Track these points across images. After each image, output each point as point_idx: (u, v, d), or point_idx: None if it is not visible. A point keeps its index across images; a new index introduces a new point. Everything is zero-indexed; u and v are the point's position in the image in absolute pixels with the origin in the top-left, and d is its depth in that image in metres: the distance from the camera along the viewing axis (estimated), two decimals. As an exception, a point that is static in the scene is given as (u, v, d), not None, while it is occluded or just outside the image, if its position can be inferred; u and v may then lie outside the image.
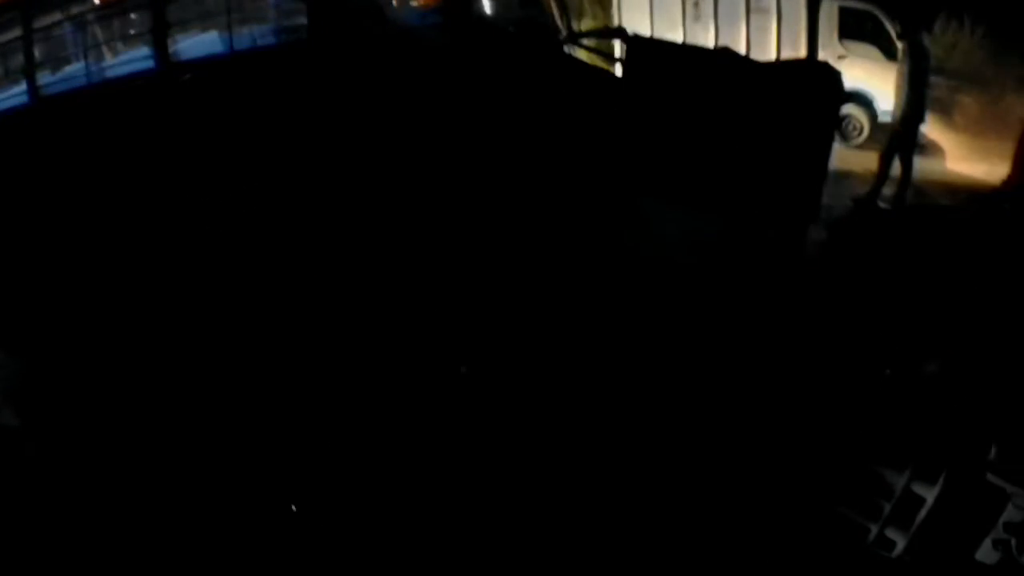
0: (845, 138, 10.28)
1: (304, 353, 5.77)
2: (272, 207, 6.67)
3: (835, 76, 5.54)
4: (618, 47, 8.25)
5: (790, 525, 4.57)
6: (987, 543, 3.98)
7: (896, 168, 8.45)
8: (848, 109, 10.09)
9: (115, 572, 4.57)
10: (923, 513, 4.31)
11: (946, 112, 10.03)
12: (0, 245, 6.09)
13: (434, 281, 6.22)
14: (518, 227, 6.33)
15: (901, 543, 4.33)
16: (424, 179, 6.75)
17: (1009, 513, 3.99)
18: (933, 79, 8.87)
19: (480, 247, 6.31)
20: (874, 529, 4.43)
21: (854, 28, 10.35)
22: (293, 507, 4.95)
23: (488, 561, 4.62)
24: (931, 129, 9.78)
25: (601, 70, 7.00)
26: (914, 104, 8.28)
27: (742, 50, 11.01)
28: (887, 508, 4.43)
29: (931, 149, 9.95)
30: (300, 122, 7.11)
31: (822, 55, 10.54)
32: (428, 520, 4.78)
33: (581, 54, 7.85)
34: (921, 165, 8.91)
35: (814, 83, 5.48)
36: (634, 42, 6.35)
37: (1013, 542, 3.88)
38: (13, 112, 6.93)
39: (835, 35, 10.42)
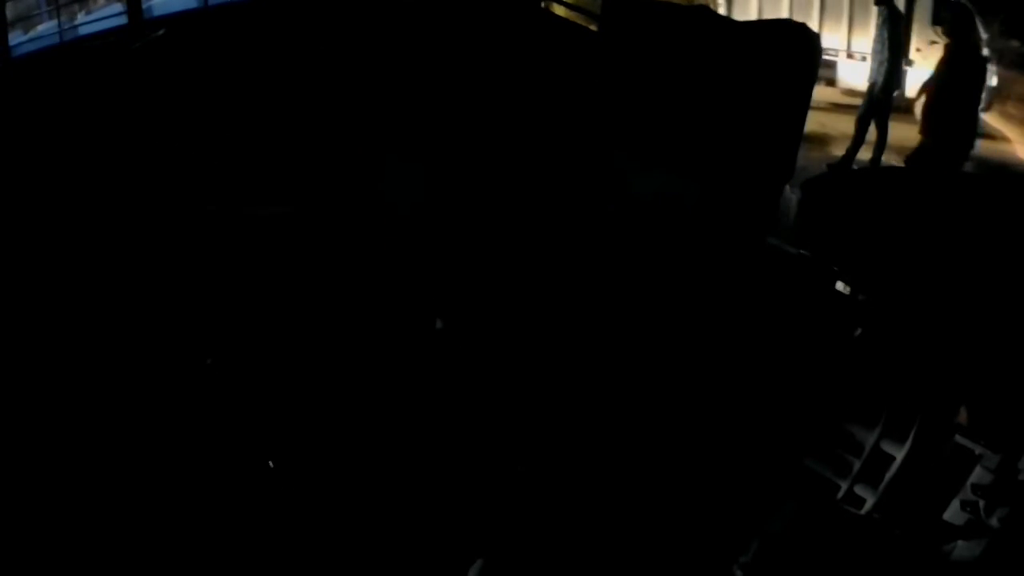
0: None
1: (279, 307, 5.76)
2: (249, 164, 6.62)
3: (812, 37, 5.46)
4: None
5: (761, 479, 4.62)
6: (955, 504, 4.01)
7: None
8: None
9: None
10: (892, 471, 4.37)
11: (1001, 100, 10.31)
12: None
13: (411, 236, 6.21)
14: (494, 181, 6.30)
15: (870, 500, 4.36)
16: (400, 131, 6.71)
17: (977, 475, 4.01)
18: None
19: (457, 202, 6.28)
20: (844, 486, 4.47)
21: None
22: (270, 463, 4.98)
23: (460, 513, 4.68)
24: (990, 117, 10.10)
25: (577, 25, 6.90)
26: (891, 69, 8.36)
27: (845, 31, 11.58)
28: (856, 465, 4.49)
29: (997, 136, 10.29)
30: (278, 74, 7.03)
31: (915, 40, 10.91)
32: (408, 478, 4.82)
33: (559, 10, 7.78)
34: (988, 146, 9.33)
35: (791, 43, 5.40)
36: None
37: (981, 504, 3.92)
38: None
39: (929, 21, 10.70)
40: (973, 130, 7.96)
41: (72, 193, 6.20)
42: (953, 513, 4.03)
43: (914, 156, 7.90)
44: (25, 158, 6.21)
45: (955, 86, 7.59)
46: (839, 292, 4.92)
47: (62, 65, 7.01)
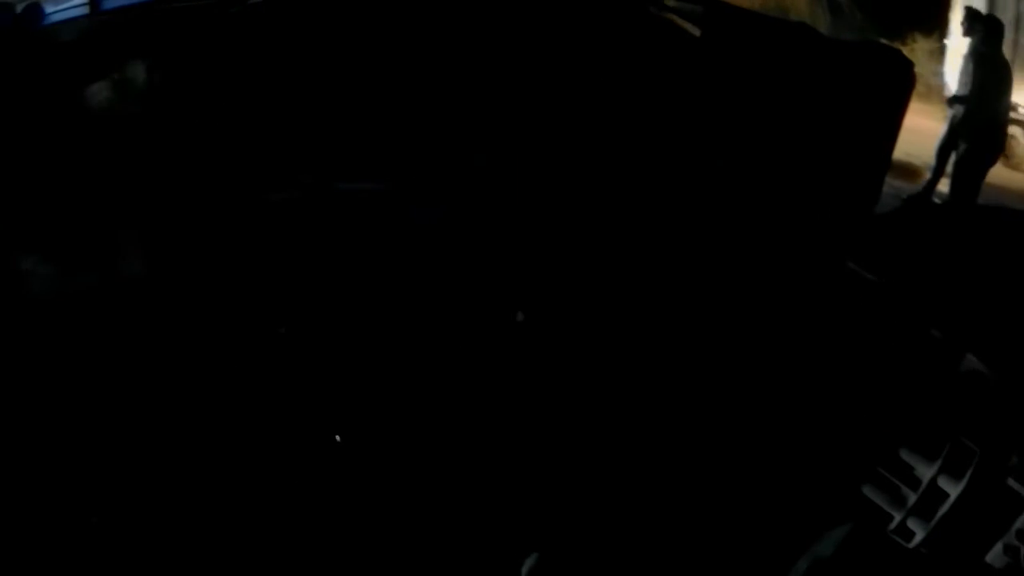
0: None
1: (363, 285, 5.91)
2: (347, 138, 6.71)
3: (906, 64, 5.46)
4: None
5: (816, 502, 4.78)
6: (998, 547, 4.17)
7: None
8: None
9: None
10: (945, 508, 4.50)
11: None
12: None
13: (492, 224, 6.29)
14: (581, 174, 6.35)
15: (920, 535, 4.51)
16: (486, 125, 6.76)
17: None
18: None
19: (541, 196, 6.35)
20: (897, 517, 4.60)
21: None
22: (337, 437, 5.14)
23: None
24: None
25: (680, 29, 6.87)
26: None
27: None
28: (912, 498, 4.62)
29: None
30: (367, 55, 7.09)
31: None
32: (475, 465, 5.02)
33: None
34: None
35: (883, 68, 5.42)
36: (711, 5, 6.23)
37: (1022, 550, 4.07)
38: (71, 22, 6.96)
39: None
40: (1001, 139, 8.77)
41: (156, 158, 6.33)
42: (995, 556, 4.20)
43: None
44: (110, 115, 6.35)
45: (985, 96, 8.43)
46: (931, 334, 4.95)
47: (151, 23, 7.07)
